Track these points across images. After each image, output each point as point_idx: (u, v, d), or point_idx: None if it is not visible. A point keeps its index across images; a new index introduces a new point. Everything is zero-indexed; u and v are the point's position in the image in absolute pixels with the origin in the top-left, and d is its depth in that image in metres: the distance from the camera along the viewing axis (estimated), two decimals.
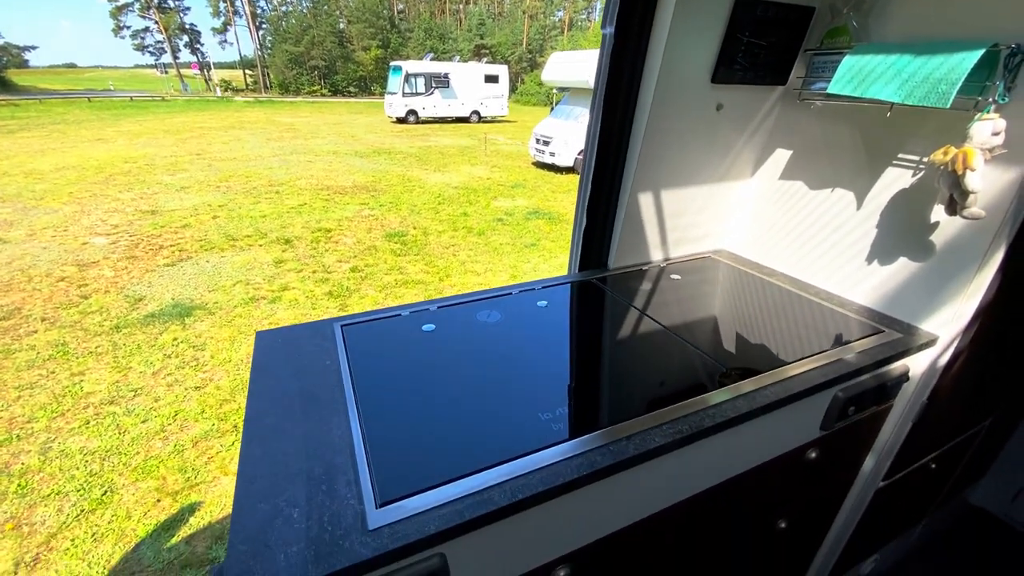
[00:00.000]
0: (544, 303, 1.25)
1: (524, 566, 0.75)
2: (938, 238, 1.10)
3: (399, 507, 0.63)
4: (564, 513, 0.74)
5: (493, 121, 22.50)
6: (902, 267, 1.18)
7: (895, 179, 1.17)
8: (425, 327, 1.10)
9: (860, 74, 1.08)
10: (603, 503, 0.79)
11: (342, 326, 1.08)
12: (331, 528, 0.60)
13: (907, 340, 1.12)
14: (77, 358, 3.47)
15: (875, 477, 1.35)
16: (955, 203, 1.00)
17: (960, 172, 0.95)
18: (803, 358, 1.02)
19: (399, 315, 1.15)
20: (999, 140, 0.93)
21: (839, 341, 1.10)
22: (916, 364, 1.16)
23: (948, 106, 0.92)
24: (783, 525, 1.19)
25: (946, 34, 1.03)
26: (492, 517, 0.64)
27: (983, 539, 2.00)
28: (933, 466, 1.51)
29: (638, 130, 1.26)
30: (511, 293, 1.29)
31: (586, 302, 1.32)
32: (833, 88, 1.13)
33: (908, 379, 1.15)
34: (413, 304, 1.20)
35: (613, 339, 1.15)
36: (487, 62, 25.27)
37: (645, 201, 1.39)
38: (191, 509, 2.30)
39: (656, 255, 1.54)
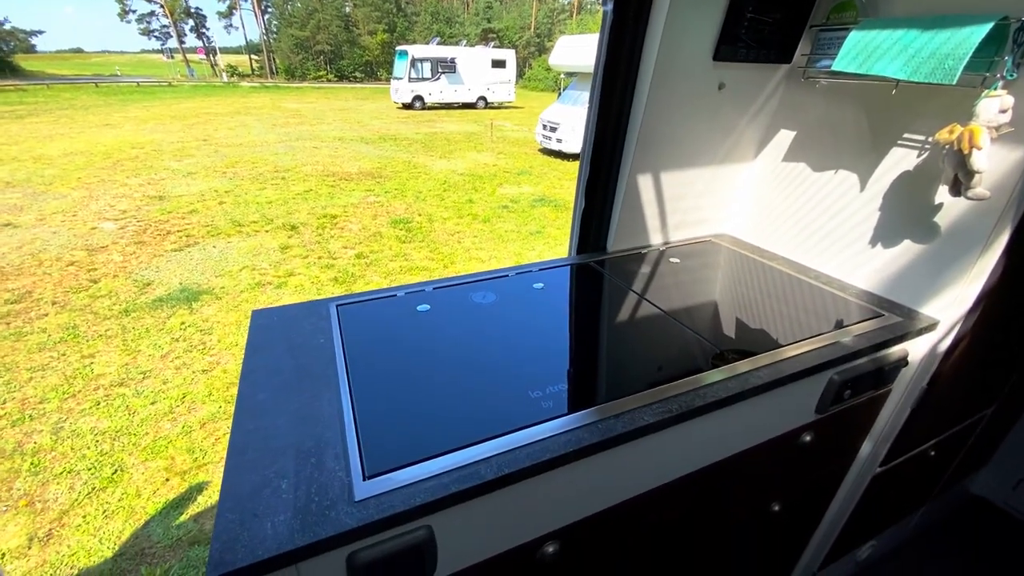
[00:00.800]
0: (540, 285, 1.25)
1: (513, 540, 0.76)
2: (941, 220, 1.08)
3: (386, 480, 0.64)
4: (552, 489, 0.74)
5: (500, 107, 22.26)
6: (904, 250, 1.16)
7: (900, 160, 1.15)
8: (420, 307, 1.10)
9: (865, 50, 1.05)
10: (592, 480, 0.79)
11: (337, 306, 1.09)
12: (318, 499, 0.61)
13: (907, 324, 1.10)
14: (87, 341, 3.53)
15: (872, 462, 1.34)
16: (960, 183, 0.98)
17: (966, 151, 0.93)
18: (798, 341, 1.01)
19: (395, 295, 1.15)
20: (1006, 118, 0.91)
21: (836, 324, 1.09)
22: (916, 349, 1.15)
23: (954, 82, 0.90)
24: (777, 508, 1.20)
25: (955, 7, 0.99)
26: (478, 491, 0.65)
27: (983, 528, 1.99)
28: (933, 453, 1.50)
29: (637, 111, 1.24)
30: (508, 275, 1.29)
31: (582, 284, 1.32)
32: (838, 65, 1.10)
33: (907, 364, 1.14)
34: (409, 285, 1.20)
35: (607, 321, 1.15)
36: (494, 46, 24.93)
37: (644, 183, 1.38)
38: (199, 488, 2.35)
39: (656, 238, 1.52)
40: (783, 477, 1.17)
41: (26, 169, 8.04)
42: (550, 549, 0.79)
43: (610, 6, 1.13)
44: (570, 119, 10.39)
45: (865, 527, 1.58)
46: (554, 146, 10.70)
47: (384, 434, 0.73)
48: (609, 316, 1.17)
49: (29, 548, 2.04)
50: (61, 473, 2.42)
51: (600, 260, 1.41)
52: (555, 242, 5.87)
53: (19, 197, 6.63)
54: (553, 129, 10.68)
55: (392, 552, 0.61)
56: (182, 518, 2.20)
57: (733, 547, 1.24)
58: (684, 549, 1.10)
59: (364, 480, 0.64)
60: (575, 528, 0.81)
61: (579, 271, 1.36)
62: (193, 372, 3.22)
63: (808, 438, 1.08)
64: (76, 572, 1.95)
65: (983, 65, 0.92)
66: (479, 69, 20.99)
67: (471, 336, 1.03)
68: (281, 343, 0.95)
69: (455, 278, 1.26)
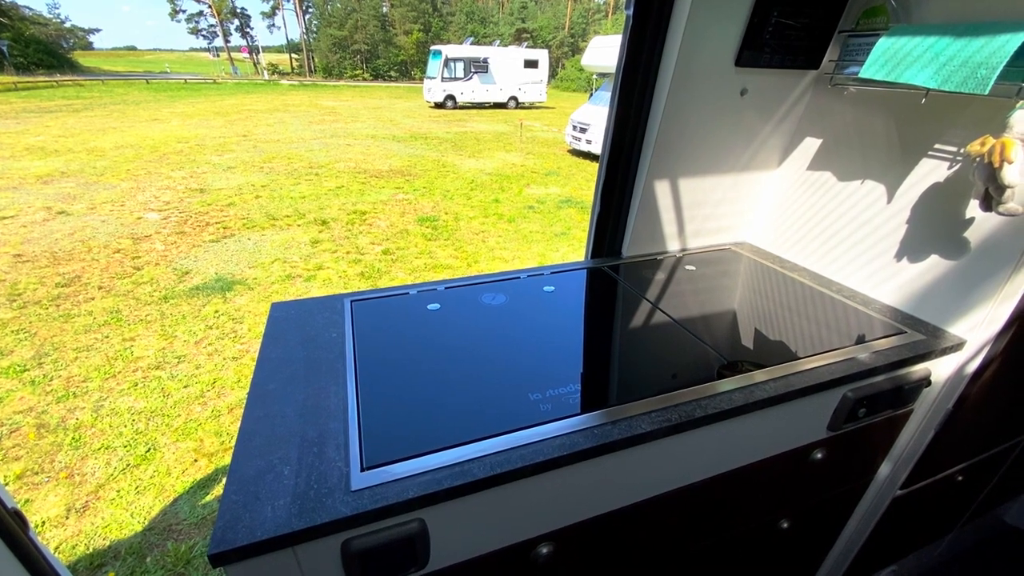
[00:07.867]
0: (551, 288, 1.26)
1: (506, 539, 0.77)
2: (971, 235, 1.04)
3: (382, 472, 0.66)
4: (546, 491, 0.75)
5: (531, 107, 22.27)
6: (931, 266, 1.12)
7: (928, 172, 1.10)
8: (430, 306, 1.13)
9: (895, 57, 1.02)
10: (588, 485, 0.79)
11: (352, 301, 1.13)
12: (317, 486, 0.64)
13: (930, 343, 1.06)
14: (129, 325, 3.73)
15: (892, 484, 1.29)
16: (991, 198, 0.94)
17: (997, 165, 0.89)
18: (812, 355, 0.99)
19: (407, 293, 1.18)
20: None
21: (854, 340, 1.06)
22: (940, 369, 1.10)
23: (987, 92, 0.86)
24: (786, 525, 1.17)
25: (991, 15, 0.95)
26: (470, 488, 0.66)
27: (1017, 560, 1.89)
28: (960, 478, 1.43)
29: (655, 115, 1.23)
30: (519, 277, 1.30)
31: (593, 289, 1.31)
32: (865, 72, 1.07)
33: (930, 384, 1.10)
34: (421, 283, 1.23)
35: (614, 327, 1.15)
36: (527, 46, 24.95)
37: (662, 189, 1.37)
38: (224, 471, 2.45)
39: (672, 245, 1.51)
40: (792, 494, 1.15)
41: (80, 160, 8.52)
42: (544, 550, 0.80)
43: (631, 10, 1.13)
44: (600, 120, 10.30)
45: (885, 550, 1.52)
46: (583, 147, 10.64)
47: (384, 428, 0.76)
48: (618, 322, 1.17)
49: (67, 518, 2.17)
50: (99, 449, 2.57)
51: (614, 265, 1.40)
52: (580, 244, 5.84)
53: (73, 187, 7.04)
54: (583, 130, 10.62)
55: (385, 542, 0.64)
56: (207, 498, 2.30)
57: (738, 562, 1.22)
58: (684, 560, 1.09)
59: (362, 471, 0.67)
60: (570, 531, 0.82)
61: (590, 275, 1.36)
62: (224, 359, 3.36)
63: (820, 456, 1.05)
64: (108, 544, 2.07)
65: (1018, 75, 0.87)
66: (511, 69, 21.04)
67: (477, 337, 1.05)
68: (295, 335, 0.99)
69: (467, 278, 1.28)
